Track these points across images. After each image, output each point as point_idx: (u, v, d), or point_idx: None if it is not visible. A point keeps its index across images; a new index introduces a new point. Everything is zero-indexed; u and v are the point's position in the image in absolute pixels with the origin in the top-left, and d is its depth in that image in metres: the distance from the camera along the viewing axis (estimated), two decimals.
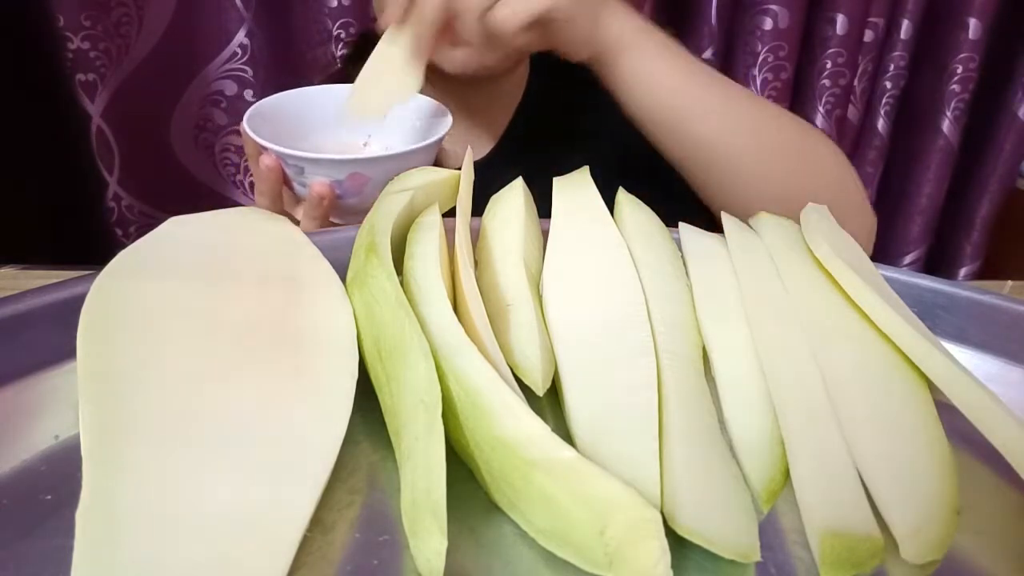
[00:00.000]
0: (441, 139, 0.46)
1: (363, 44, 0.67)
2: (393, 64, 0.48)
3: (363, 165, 0.43)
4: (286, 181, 0.46)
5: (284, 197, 0.48)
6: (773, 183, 0.52)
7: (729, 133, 0.52)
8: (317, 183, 0.43)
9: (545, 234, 0.33)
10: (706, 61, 1.00)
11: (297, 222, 0.48)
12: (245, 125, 0.45)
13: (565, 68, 0.63)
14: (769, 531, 0.22)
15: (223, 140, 0.92)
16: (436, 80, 0.59)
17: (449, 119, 0.49)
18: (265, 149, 0.44)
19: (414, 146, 0.44)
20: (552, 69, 0.62)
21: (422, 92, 0.51)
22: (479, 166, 0.56)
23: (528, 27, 0.46)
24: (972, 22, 0.98)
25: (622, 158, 0.63)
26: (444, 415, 0.21)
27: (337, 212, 0.46)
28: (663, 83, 0.51)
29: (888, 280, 0.31)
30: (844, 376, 0.26)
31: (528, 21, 0.45)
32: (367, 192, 0.44)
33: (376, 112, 0.48)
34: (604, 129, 0.62)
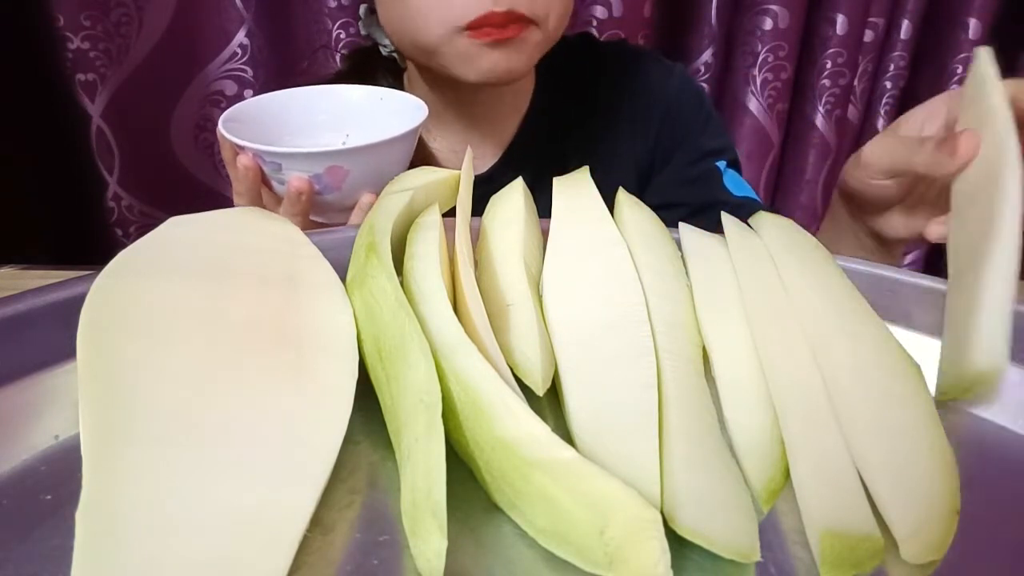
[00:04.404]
0: (417, 128, 0.46)
1: (361, 60, 0.67)
2: None
3: (340, 157, 0.43)
4: (265, 181, 0.46)
5: (264, 198, 0.47)
6: None
7: None
8: (295, 178, 0.43)
9: (545, 234, 0.33)
10: (706, 62, 1.00)
11: None
12: (221, 128, 0.45)
13: (571, 81, 0.63)
14: (769, 531, 0.22)
15: None
16: (444, 90, 0.59)
17: (425, 109, 0.48)
18: (242, 149, 0.44)
19: (390, 135, 0.43)
20: (558, 82, 0.62)
21: (420, 96, 0.51)
22: (485, 177, 0.55)
23: None
24: (972, 22, 0.98)
25: (627, 170, 0.63)
26: (444, 415, 0.21)
27: (317, 209, 0.45)
28: None
29: (888, 280, 0.31)
30: (844, 376, 0.26)
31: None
32: (347, 187, 0.44)
33: None
34: (609, 141, 0.62)
